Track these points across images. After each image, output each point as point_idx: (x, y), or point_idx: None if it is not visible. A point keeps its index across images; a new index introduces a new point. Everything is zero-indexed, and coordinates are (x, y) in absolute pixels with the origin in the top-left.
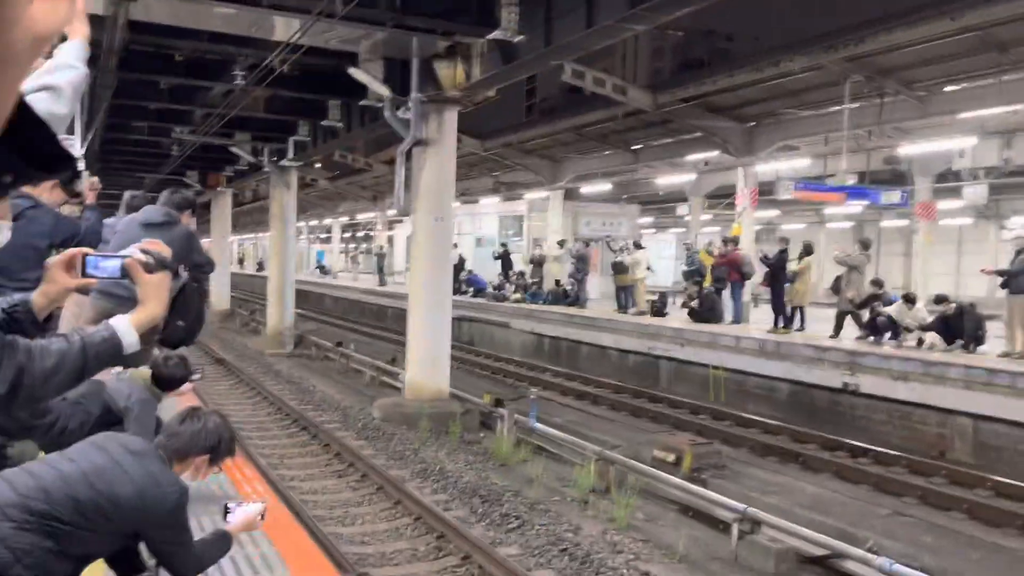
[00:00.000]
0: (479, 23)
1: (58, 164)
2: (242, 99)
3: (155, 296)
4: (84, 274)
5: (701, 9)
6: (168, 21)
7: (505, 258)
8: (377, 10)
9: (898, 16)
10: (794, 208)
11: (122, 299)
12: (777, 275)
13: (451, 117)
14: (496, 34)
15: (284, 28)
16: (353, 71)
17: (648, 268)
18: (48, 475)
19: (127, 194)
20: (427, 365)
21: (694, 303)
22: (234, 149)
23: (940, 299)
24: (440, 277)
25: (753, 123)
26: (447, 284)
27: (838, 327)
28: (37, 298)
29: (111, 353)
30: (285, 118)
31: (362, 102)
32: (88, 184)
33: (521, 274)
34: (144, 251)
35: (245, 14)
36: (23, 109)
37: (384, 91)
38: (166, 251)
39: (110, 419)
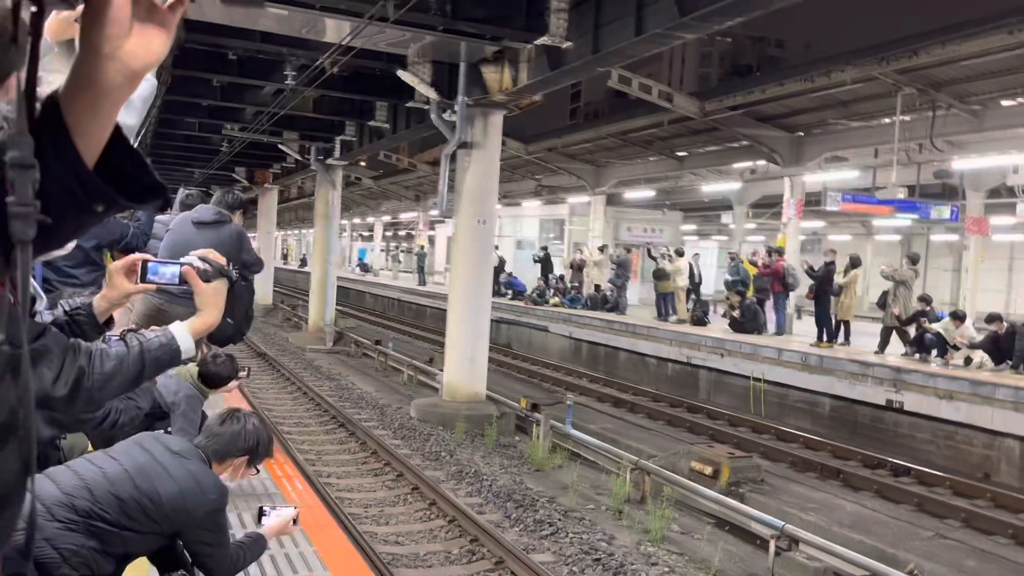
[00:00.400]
0: (527, 28)
1: (150, 194)
2: (292, 98)
3: (212, 304)
4: (144, 280)
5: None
6: (222, 21)
7: (545, 261)
8: (428, 15)
9: (953, 29)
10: (840, 219)
11: (172, 296)
12: (823, 288)
13: (496, 121)
14: (544, 40)
15: (335, 30)
16: (402, 73)
17: (697, 278)
18: (92, 473)
19: (181, 192)
20: (465, 367)
21: (736, 313)
22: (282, 147)
23: (992, 318)
24: (480, 279)
25: (801, 133)
26: (487, 287)
27: (883, 343)
28: (98, 302)
29: (168, 359)
30: (333, 118)
31: (409, 104)
32: None
33: (561, 278)
34: (202, 259)
35: (297, 15)
36: (119, 140)
37: (431, 94)
38: (222, 259)
39: (158, 414)
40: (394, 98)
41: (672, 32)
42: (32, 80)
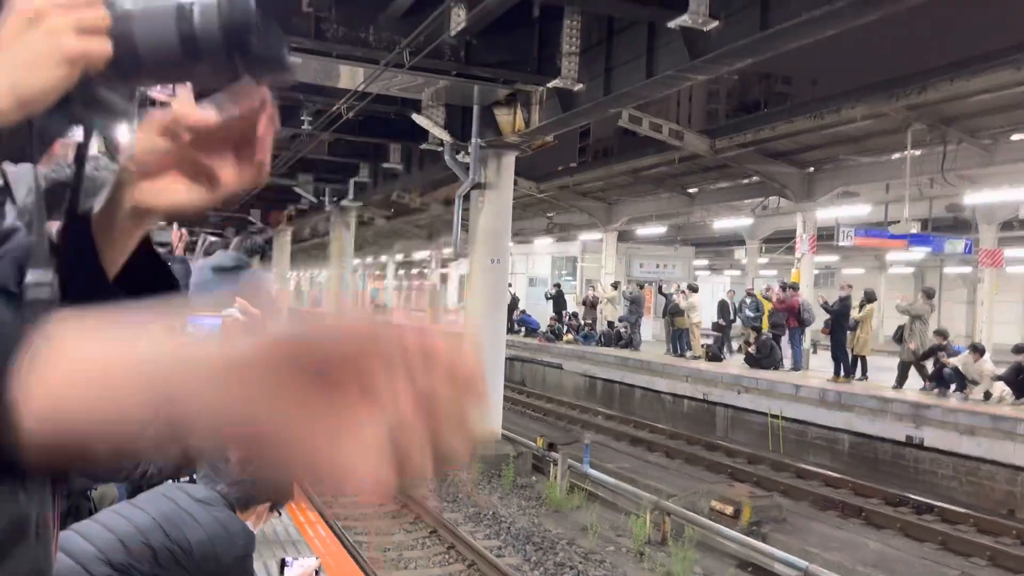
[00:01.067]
0: (539, 72)
1: (171, 289)
2: (307, 142)
3: None
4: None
5: None
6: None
7: (558, 299)
8: (441, 60)
9: (961, 65)
10: (854, 253)
11: None
12: (839, 322)
13: (509, 162)
14: (556, 83)
15: (349, 77)
16: (416, 117)
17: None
18: (122, 526)
19: (204, 239)
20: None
21: (751, 348)
22: (297, 189)
23: (1020, 348)
24: (495, 318)
25: (812, 168)
26: (502, 325)
27: (901, 378)
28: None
29: None
30: (347, 160)
31: (423, 145)
32: (176, 235)
33: (574, 315)
34: (243, 311)
35: (313, 63)
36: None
37: (445, 136)
38: (258, 312)
39: (183, 461)
40: (408, 140)
41: (683, 74)
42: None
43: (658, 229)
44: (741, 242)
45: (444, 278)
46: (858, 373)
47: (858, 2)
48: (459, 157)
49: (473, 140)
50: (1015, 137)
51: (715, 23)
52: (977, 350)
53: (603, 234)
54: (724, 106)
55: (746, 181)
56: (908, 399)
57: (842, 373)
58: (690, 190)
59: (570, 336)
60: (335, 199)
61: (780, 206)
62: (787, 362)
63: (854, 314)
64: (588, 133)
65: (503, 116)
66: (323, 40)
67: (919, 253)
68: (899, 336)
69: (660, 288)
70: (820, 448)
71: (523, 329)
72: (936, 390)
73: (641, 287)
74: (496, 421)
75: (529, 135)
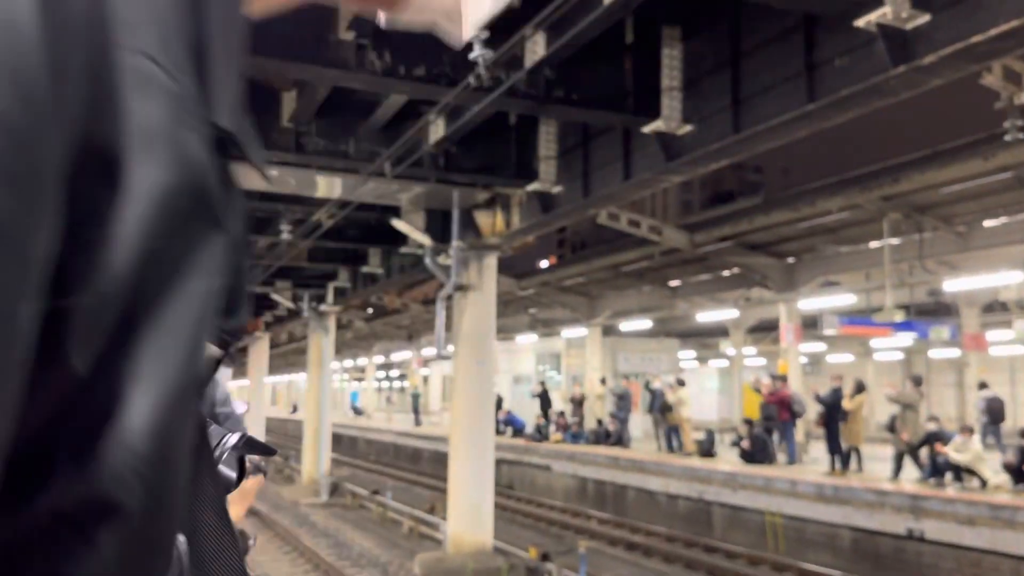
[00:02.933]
0: (518, 175)
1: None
2: (286, 251)
3: (242, 500)
4: None
5: None
6: None
7: (544, 397)
8: (422, 168)
9: (932, 158)
10: (839, 340)
11: None
12: (832, 414)
13: (491, 263)
14: (535, 186)
15: (327, 186)
16: (396, 223)
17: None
18: None
19: None
20: (470, 516)
21: (744, 443)
22: (275, 296)
23: None
24: (482, 422)
25: (792, 259)
26: (489, 430)
27: (897, 468)
28: None
29: None
30: (326, 266)
31: (402, 249)
32: None
33: (561, 414)
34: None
35: (293, 175)
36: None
37: (425, 240)
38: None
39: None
40: (388, 244)
41: (660, 176)
42: None
43: (643, 323)
44: (726, 332)
45: (425, 379)
46: (853, 465)
47: (827, 106)
48: (439, 259)
49: (453, 243)
50: (987, 223)
51: (688, 127)
52: (966, 430)
53: (587, 329)
54: (698, 196)
55: (727, 274)
56: (906, 491)
57: (838, 466)
58: (672, 283)
59: (558, 435)
60: (314, 304)
61: (763, 296)
62: (781, 455)
63: (845, 404)
64: (565, 227)
65: (483, 218)
66: (304, 154)
67: (905, 339)
68: (891, 425)
69: (647, 384)
70: (820, 545)
71: (509, 429)
72: (932, 479)
73: (627, 378)
74: (487, 531)
75: (510, 236)
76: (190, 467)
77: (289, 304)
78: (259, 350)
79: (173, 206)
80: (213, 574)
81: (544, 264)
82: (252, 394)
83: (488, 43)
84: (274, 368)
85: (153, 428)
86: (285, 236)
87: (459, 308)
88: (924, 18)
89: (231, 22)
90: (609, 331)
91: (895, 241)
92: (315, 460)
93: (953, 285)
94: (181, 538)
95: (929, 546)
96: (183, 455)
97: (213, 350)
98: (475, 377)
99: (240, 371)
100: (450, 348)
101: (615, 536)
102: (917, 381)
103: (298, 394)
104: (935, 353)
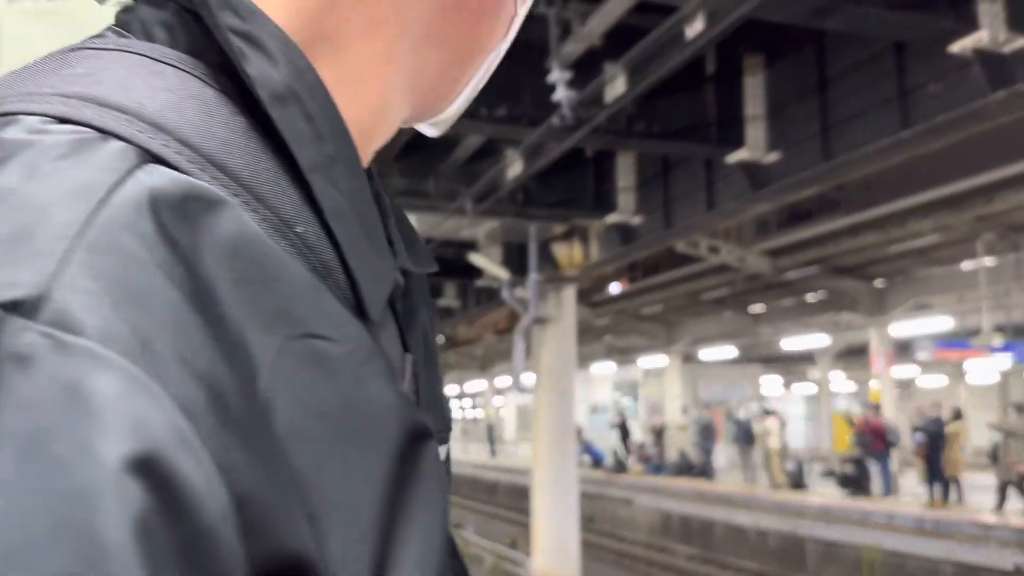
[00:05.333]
0: (596, 207)
1: None
2: None
3: None
4: None
5: None
6: None
7: (623, 427)
8: (501, 204)
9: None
10: (932, 363)
11: None
12: (934, 444)
13: (569, 295)
14: (614, 217)
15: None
16: (473, 257)
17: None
18: None
19: None
20: (555, 552)
21: (848, 468)
22: None
23: None
24: (564, 457)
25: (882, 282)
26: (572, 464)
27: (1001, 499)
28: None
29: None
30: None
31: (479, 282)
32: None
33: (641, 445)
34: None
35: None
36: None
37: (503, 274)
38: None
39: None
40: (463, 277)
41: (746, 205)
42: None
43: (726, 351)
44: (812, 358)
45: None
46: (952, 495)
47: (922, 132)
48: (516, 292)
49: (531, 275)
50: None
51: (775, 156)
52: None
53: (666, 356)
54: (775, 216)
55: (812, 300)
56: (1012, 525)
57: (937, 497)
58: (753, 309)
59: (639, 467)
60: None
61: (852, 321)
62: (876, 486)
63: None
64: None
65: (561, 250)
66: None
67: (1003, 362)
68: (995, 454)
69: (728, 414)
70: None
71: (585, 459)
72: None
73: (708, 407)
74: (574, 567)
75: (588, 268)
76: None
77: None
78: None
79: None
80: None
81: (616, 289)
82: None
83: (571, 84)
84: None
85: None
86: None
87: (538, 341)
88: (1022, 41)
89: (360, 195)
90: (689, 358)
91: (989, 263)
92: None
93: None
94: None
95: None
96: None
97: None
98: (556, 410)
99: None
100: (524, 379)
101: (703, 573)
102: (1020, 408)
103: None
104: None
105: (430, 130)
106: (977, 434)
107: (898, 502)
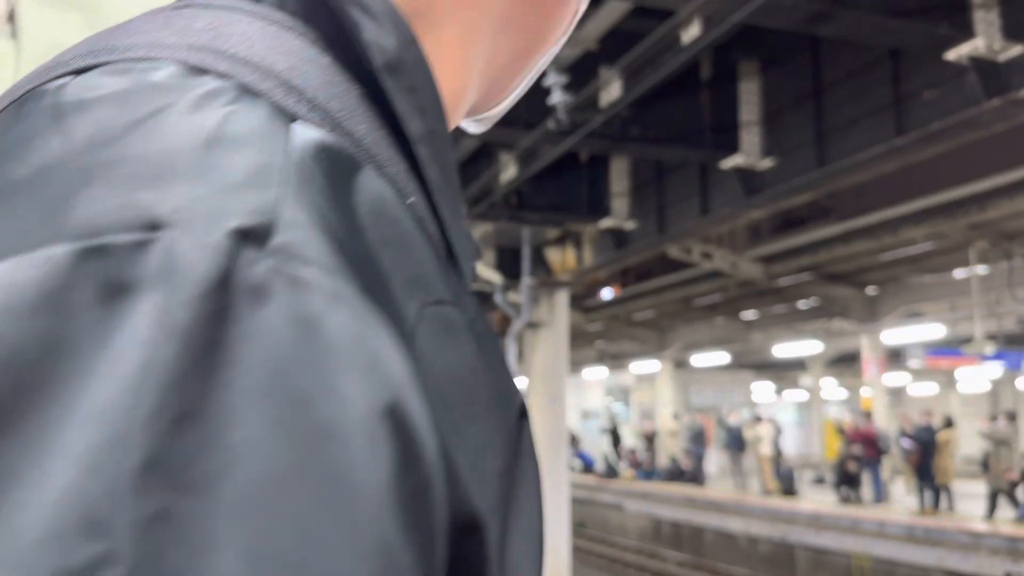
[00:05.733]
0: (589, 212)
1: None
2: None
3: None
4: None
5: None
6: None
7: (614, 432)
8: (494, 208)
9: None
10: (924, 372)
11: None
12: (925, 451)
13: (562, 299)
14: (608, 222)
15: None
16: None
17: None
18: None
19: None
20: (547, 558)
21: (851, 465)
22: None
23: None
24: (556, 463)
25: (874, 289)
26: (564, 470)
27: (991, 507)
28: None
29: None
30: None
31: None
32: None
33: (632, 451)
34: None
35: None
36: None
37: (495, 278)
38: None
39: None
40: None
41: (740, 210)
42: None
43: (719, 357)
44: (803, 365)
45: None
46: (943, 503)
47: (917, 140)
48: (509, 296)
49: (524, 279)
50: None
51: (769, 161)
52: None
53: (658, 361)
54: (768, 222)
55: (804, 307)
56: (1003, 533)
57: (928, 504)
58: (745, 315)
59: (630, 472)
60: None
61: (843, 328)
62: (867, 494)
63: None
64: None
65: (554, 255)
66: None
67: (995, 370)
68: (985, 462)
69: (720, 421)
70: None
71: (576, 464)
72: None
73: (701, 412)
74: (565, 573)
75: (581, 273)
76: None
77: None
78: None
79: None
80: None
81: (608, 294)
82: None
83: (566, 88)
84: None
85: None
86: None
87: (530, 345)
88: (1017, 49)
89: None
90: (681, 364)
91: (982, 271)
92: None
93: None
94: None
95: None
96: None
97: None
98: (548, 416)
99: None
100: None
101: None
102: (1011, 416)
103: None
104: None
105: (474, 126)
106: (967, 442)
107: (889, 509)
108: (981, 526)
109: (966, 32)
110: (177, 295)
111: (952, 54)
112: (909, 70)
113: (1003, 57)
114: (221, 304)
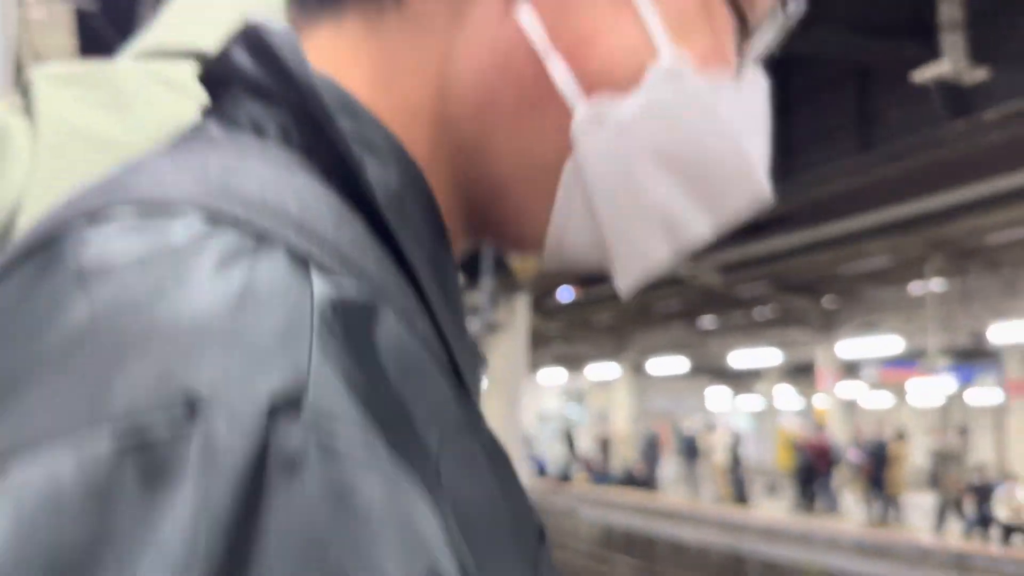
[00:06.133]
0: None
1: None
2: None
3: None
4: None
5: None
6: None
7: (568, 436)
8: None
9: (982, 203)
10: (878, 383)
11: None
12: (878, 464)
13: (522, 303)
14: None
15: None
16: None
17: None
18: None
19: None
20: None
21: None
22: None
23: None
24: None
25: (831, 300)
26: (522, 475)
27: (940, 520)
28: None
29: None
30: None
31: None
32: None
33: (587, 456)
34: None
35: None
36: None
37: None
38: None
39: None
40: None
41: None
42: None
43: (678, 364)
44: (759, 373)
45: None
46: (892, 515)
47: (881, 156)
48: (469, 298)
49: (484, 280)
50: None
51: None
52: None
53: (616, 365)
54: (728, 229)
55: (761, 319)
56: (951, 547)
57: (879, 516)
58: (702, 321)
59: (584, 475)
60: None
61: (798, 338)
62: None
63: (890, 450)
64: None
65: (515, 258)
66: None
67: (948, 385)
68: (935, 476)
69: (675, 427)
70: None
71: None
72: (976, 531)
73: (656, 418)
74: None
75: (542, 275)
76: None
77: None
78: None
79: None
80: None
81: (567, 295)
82: None
83: None
84: None
85: None
86: None
87: (488, 348)
88: (982, 73)
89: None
90: (638, 368)
91: (938, 288)
92: None
93: (999, 336)
94: None
95: None
96: None
97: None
98: (507, 419)
99: None
100: None
101: None
102: (962, 430)
103: None
104: (973, 399)
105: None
106: (917, 454)
107: (839, 521)
108: (930, 540)
109: (932, 52)
110: (216, 481)
111: (918, 76)
112: (876, 88)
113: (968, 79)
114: (258, 483)
